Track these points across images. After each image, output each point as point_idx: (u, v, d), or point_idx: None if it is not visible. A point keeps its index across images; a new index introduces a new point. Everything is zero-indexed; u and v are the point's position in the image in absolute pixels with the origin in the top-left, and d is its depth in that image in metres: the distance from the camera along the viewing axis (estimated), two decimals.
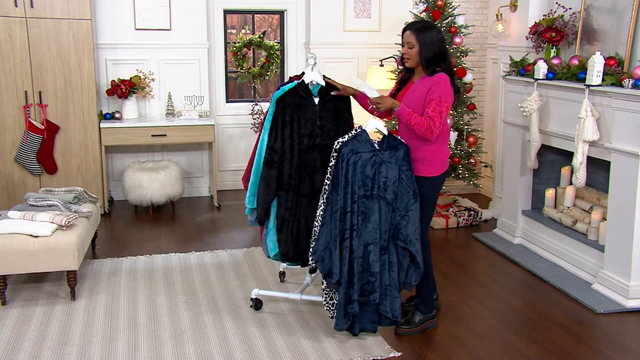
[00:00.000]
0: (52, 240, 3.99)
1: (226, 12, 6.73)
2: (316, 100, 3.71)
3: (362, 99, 3.76)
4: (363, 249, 3.46)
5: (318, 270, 3.57)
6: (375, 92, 3.55)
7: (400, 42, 3.65)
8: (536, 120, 4.85)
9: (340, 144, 3.46)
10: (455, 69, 5.44)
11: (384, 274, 3.50)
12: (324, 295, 3.56)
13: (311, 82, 3.69)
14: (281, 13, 6.88)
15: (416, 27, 3.50)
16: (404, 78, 3.72)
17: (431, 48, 3.47)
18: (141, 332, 3.70)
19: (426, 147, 3.55)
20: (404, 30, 3.54)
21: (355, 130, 3.52)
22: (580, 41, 4.80)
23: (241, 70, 6.47)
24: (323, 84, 3.71)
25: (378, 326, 3.61)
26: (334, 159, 3.47)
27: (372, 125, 3.51)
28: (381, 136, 3.52)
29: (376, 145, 3.47)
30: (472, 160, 5.75)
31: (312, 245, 3.51)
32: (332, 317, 3.59)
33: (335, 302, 3.53)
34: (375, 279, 3.47)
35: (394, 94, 3.74)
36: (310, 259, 3.52)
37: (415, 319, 3.74)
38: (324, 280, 3.51)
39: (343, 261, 3.43)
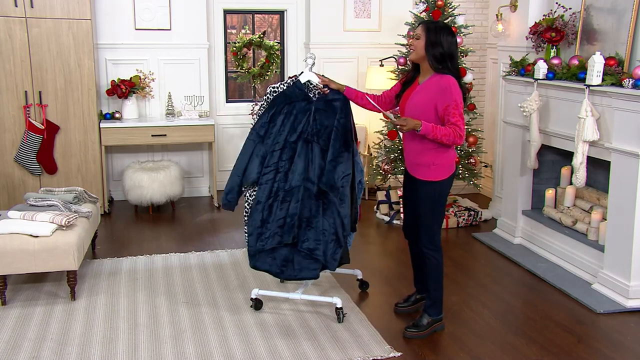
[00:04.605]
0: (52, 240, 3.99)
1: (226, 12, 6.73)
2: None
3: (366, 103, 3.81)
4: (284, 193, 3.63)
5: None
6: (396, 114, 3.60)
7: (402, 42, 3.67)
8: (536, 120, 4.85)
9: (272, 90, 3.74)
10: None
11: (318, 219, 3.61)
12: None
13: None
14: (281, 13, 6.88)
15: (428, 23, 3.54)
16: (408, 79, 3.71)
17: (437, 44, 3.45)
18: (141, 332, 3.70)
19: (432, 152, 3.52)
20: (418, 24, 3.59)
21: (292, 80, 3.77)
22: (580, 41, 4.80)
23: (241, 70, 6.47)
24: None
25: (320, 273, 3.72)
26: (265, 103, 3.77)
27: (306, 76, 3.70)
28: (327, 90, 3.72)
29: (311, 95, 3.64)
30: (472, 160, 5.75)
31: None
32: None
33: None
34: (293, 221, 3.60)
35: (397, 95, 3.73)
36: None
37: (423, 322, 3.71)
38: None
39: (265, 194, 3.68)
